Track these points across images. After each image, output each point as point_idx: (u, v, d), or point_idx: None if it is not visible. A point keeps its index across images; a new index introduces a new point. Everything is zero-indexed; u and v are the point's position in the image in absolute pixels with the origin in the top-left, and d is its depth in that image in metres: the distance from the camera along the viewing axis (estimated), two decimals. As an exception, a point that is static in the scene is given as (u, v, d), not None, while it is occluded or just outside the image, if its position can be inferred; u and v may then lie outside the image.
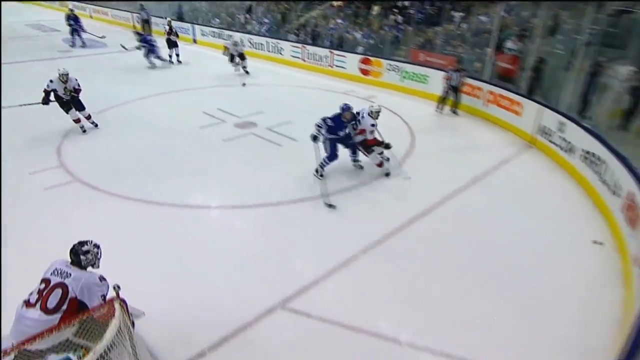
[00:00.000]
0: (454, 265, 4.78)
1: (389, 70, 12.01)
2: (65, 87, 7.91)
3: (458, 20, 12.19)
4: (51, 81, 7.89)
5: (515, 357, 3.69)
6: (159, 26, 17.79)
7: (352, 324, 3.88)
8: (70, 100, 8.08)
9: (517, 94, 8.95)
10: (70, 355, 2.58)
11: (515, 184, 6.82)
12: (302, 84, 12.55)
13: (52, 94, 7.98)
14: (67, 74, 7.92)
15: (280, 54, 15.00)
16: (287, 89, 12.14)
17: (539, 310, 4.16)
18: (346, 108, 6.29)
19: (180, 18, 19.51)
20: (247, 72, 13.03)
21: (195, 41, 18.51)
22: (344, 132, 6.38)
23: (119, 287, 2.85)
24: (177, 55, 14.53)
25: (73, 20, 16.63)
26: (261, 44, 15.69)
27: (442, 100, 10.15)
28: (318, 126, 6.30)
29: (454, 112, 10.21)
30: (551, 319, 4.02)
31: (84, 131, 8.41)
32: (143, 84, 12.12)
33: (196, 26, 18.55)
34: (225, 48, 13.16)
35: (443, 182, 6.65)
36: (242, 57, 12.84)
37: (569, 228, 5.55)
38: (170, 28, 14.38)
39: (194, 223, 5.59)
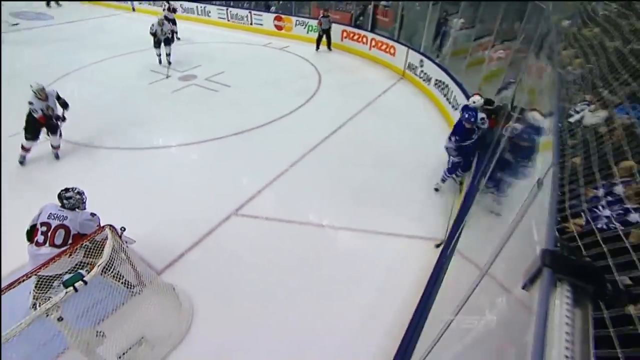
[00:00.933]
0: (356, 165, 5.43)
1: (297, 25, 11.88)
2: (48, 106, 5.20)
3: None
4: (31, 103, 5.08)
5: (406, 204, 4.57)
6: None
7: (289, 219, 4.38)
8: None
9: (390, 39, 9.56)
10: (81, 271, 2.55)
11: (392, 106, 7.63)
12: (229, 40, 11.89)
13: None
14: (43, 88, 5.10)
15: (208, 16, 13.96)
16: (217, 45, 11.45)
17: (413, 174, 5.18)
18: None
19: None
20: (178, 39, 10.93)
21: (134, 9, 16.18)
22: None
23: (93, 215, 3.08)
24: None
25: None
26: (191, 8, 14.35)
27: (318, 41, 10.68)
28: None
29: (329, 49, 10.77)
30: (419, 178, 5.07)
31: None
32: (95, 49, 10.50)
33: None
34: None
35: (344, 108, 7.21)
36: (167, 41, 9.06)
37: (428, 133, 6.47)
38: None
39: (157, 161, 5.55)
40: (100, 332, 2.65)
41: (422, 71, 8.25)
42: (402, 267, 3.80)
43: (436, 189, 4.90)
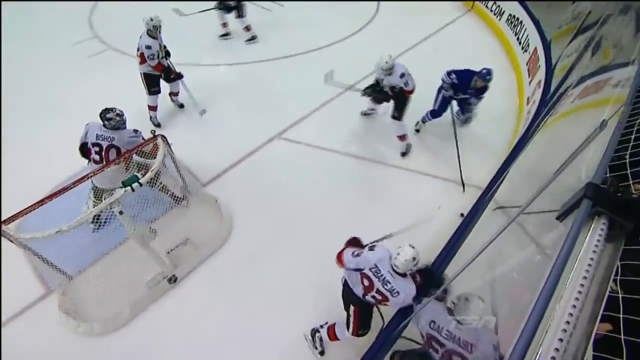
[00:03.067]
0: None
1: None
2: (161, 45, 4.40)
3: None
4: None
5: (449, 147, 4.41)
6: None
7: (330, 147, 4.45)
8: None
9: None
10: (137, 174, 2.70)
11: (455, 42, 6.88)
12: None
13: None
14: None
15: None
16: None
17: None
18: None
19: None
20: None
21: None
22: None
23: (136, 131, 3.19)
24: None
25: None
26: None
27: None
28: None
29: None
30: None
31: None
32: None
33: None
34: None
35: (401, 38, 6.72)
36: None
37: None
38: None
39: (209, 78, 5.55)
40: (153, 229, 3.02)
41: (495, 4, 7.28)
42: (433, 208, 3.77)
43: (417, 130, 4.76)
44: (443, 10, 7.96)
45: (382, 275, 2.18)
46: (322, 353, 2.81)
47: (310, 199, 3.87)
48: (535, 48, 5.38)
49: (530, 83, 5.10)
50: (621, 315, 0.95)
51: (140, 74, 4.40)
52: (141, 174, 2.82)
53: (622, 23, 3.22)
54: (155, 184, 3.22)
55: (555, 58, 4.88)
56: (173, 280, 3.17)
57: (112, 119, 3.08)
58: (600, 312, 0.75)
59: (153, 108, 4.70)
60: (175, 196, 3.48)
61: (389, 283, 2.15)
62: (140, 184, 2.67)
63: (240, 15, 6.27)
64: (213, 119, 4.88)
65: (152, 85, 4.47)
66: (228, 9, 6.19)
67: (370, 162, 4.34)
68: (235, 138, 4.57)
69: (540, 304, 0.71)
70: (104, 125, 3.10)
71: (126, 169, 3.08)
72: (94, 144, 3.12)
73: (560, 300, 0.72)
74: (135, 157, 3.14)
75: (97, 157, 3.13)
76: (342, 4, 7.94)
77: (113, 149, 3.11)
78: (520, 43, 6.11)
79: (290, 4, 7.86)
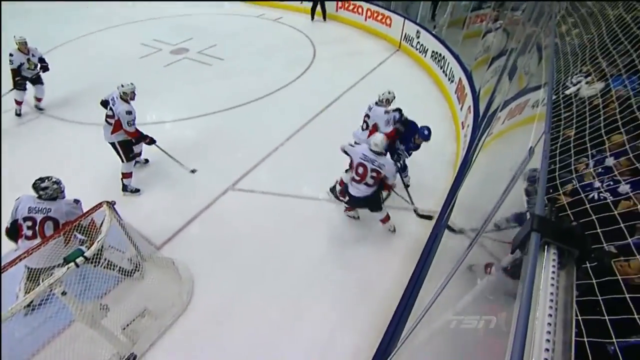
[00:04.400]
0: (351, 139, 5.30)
1: (291, -7, 11.42)
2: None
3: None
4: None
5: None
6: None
7: (284, 192, 4.41)
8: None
9: (387, 9, 9.28)
10: (81, 247, 2.47)
11: (389, 79, 7.42)
12: (220, 12, 11.41)
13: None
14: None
15: None
16: (209, 17, 10.94)
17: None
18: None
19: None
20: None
21: None
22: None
23: (77, 202, 2.96)
24: None
25: None
26: None
27: (313, 11, 10.45)
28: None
29: (324, 20, 10.53)
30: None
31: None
32: (81, 22, 10.12)
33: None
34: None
35: (339, 81, 7.09)
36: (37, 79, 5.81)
37: (426, 106, 6.34)
38: None
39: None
40: (103, 305, 2.70)
41: (418, 42, 8.07)
42: (396, 238, 3.86)
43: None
44: (374, 52, 8.64)
45: (368, 157, 3.26)
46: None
47: (271, 246, 3.74)
48: (460, 78, 5.95)
49: (461, 109, 5.57)
50: (585, 339, 1.11)
51: (114, 143, 4.12)
52: (86, 246, 2.57)
53: (528, 55, 3.68)
54: (99, 262, 2.81)
55: (477, 85, 5.42)
56: (132, 359, 2.83)
57: (47, 187, 2.80)
58: (573, 339, 0.79)
59: (129, 175, 4.33)
60: (124, 270, 3.17)
61: (376, 161, 3.24)
62: (87, 258, 2.42)
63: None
64: (161, 175, 4.67)
65: (129, 151, 4.20)
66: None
67: (326, 202, 4.33)
68: (187, 194, 4.39)
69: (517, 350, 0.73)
70: (39, 197, 2.81)
71: (66, 243, 2.77)
72: (25, 219, 2.79)
73: (533, 348, 0.75)
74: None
75: (29, 233, 2.79)
76: (279, 53, 8.33)
77: (49, 221, 2.80)
78: (446, 75, 6.74)
79: (229, 56, 8.08)
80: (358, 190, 3.42)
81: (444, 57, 6.92)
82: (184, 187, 4.51)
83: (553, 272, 0.89)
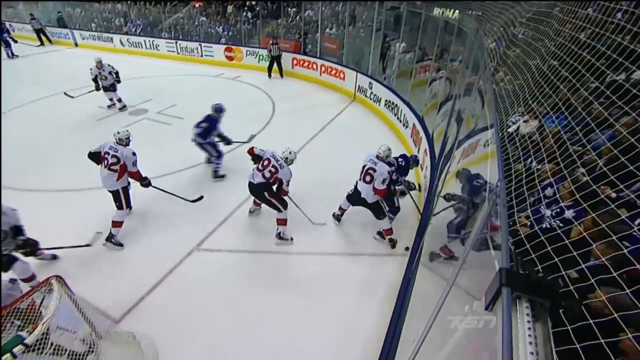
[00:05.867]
0: (314, 190, 5.37)
1: (248, 54, 12.12)
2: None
3: (292, 14, 12.94)
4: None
5: (366, 224, 4.65)
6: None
7: (252, 249, 4.32)
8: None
9: (340, 64, 9.96)
10: (21, 333, 2.19)
11: (346, 127, 7.86)
12: (180, 73, 11.76)
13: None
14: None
15: (157, 49, 13.83)
16: (168, 78, 11.23)
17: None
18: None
19: (62, 25, 16.16)
20: (123, 107, 8.55)
21: (76, 44, 15.74)
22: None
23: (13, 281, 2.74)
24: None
25: None
26: (139, 42, 14.20)
27: (270, 69, 11.00)
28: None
29: (281, 77, 11.10)
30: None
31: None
32: (35, 86, 9.99)
33: (75, 31, 15.74)
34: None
35: (299, 133, 7.31)
36: (112, 87, 8.25)
37: None
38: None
39: (108, 201, 4.97)
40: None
41: (372, 93, 8.65)
42: (370, 285, 3.83)
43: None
44: (331, 104, 9.12)
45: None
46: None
47: (242, 308, 3.55)
48: (414, 123, 6.37)
49: (418, 152, 5.90)
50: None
51: (118, 190, 4.21)
52: (27, 331, 2.24)
53: (471, 99, 4.07)
54: (44, 348, 2.42)
55: (430, 128, 5.83)
56: None
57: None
58: None
59: (120, 224, 4.31)
60: (75, 354, 2.82)
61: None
62: (27, 346, 2.15)
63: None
64: (120, 238, 4.40)
65: (129, 197, 4.34)
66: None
67: (295, 255, 4.27)
68: (149, 259, 4.14)
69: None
70: None
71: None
72: None
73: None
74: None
75: None
76: (239, 110, 8.53)
77: None
78: (400, 121, 7.20)
79: (189, 115, 8.14)
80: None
81: (396, 105, 7.44)
82: (145, 251, 4.27)
83: (529, 326, 0.90)
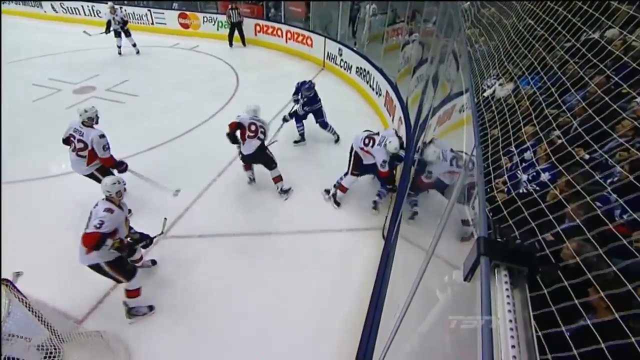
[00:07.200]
0: (287, 164, 5.30)
1: (205, 21, 11.46)
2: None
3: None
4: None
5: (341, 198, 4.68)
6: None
7: (223, 232, 4.25)
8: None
9: (307, 30, 9.68)
10: None
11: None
12: (128, 45, 10.71)
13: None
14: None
15: (99, 16, 12.25)
16: (113, 50, 10.23)
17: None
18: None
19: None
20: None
21: None
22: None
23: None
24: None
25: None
26: (76, 8, 12.82)
27: (231, 37, 10.58)
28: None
29: (243, 45, 10.72)
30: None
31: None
32: None
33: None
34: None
35: (267, 106, 7.04)
36: (126, 32, 9.94)
37: (358, 121, 6.53)
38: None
39: (54, 193, 4.84)
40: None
41: (342, 60, 8.50)
42: (347, 261, 3.89)
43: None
44: (299, 73, 8.89)
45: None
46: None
47: (217, 296, 3.52)
48: (387, 91, 6.35)
49: (393, 120, 5.91)
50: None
51: (91, 174, 4.06)
52: None
53: (446, 63, 4.07)
54: None
55: (404, 95, 5.83)
56: None
57: None
58: (537, 357, 0.84)
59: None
60: None
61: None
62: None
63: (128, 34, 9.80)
64: (77, 234, 4.21)
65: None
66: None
67: (267, 235, 4.26)
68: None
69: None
70: None
71: None
72: None
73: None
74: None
75: None
76: (199, 84, 8.20)
77: None
78: (373, 89, 7.15)
79: (144, 92, 7.76)
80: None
81: (368, 72, 7.36)
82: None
83: (507, 294, 0.94)
